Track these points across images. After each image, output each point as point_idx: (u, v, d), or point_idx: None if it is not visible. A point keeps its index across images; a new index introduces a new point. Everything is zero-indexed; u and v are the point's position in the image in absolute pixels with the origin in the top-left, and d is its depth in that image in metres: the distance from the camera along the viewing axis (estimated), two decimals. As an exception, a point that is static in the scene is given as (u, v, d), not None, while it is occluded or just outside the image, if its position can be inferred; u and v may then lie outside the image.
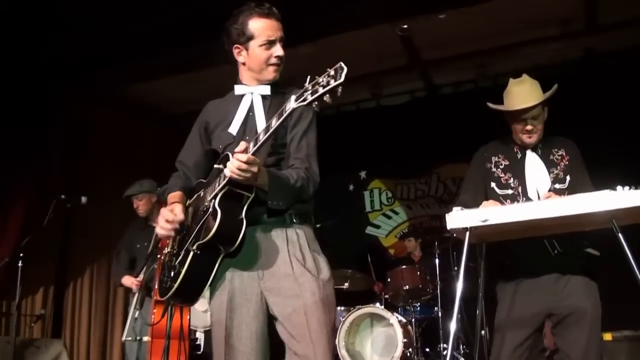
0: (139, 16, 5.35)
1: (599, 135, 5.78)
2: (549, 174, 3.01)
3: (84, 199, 4.79)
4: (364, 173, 8.09)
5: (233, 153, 2.15)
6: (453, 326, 2.85)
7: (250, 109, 2.46)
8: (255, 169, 2.09)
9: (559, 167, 3.03)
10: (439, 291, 5.96)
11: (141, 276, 4.38)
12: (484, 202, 2.92)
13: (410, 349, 5.59)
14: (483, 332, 5.40)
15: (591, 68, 6.41)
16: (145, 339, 4.07)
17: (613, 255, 2.69)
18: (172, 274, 2.31)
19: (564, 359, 2.91)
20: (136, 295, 4.32)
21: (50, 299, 6.04)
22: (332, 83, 1.94)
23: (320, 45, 5.84)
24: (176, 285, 2.23)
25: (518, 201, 2.99)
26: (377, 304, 5.94)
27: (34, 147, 5.81)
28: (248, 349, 2.27)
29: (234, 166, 2.07)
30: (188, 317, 3.96)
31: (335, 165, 7.54)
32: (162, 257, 2.51)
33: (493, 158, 3.14)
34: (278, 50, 2.42)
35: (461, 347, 5.82)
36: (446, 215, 2.71)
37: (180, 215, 2.35)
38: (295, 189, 2.29)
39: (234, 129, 2.43)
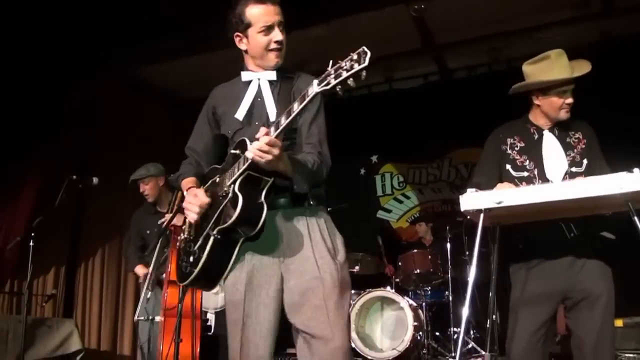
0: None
1: (615, 118, 5.71)
2: (566, 156, 2.97)
3: (95, 180, 4.78)
4: (376, 157, 8.05)
5: (245, 138, 2.21)
6: (465, 311, 2.82)
7: (258, 95, 2.46)
8: (277, 151, 2.09)
9: (575, 150, 2.99)
10: (449, 275, 5.95)
11: (151, 266, 4.37)
12: (499, 185, 2.89)
13: (420, 333, 5.59)
14: (494, 316, 5.41)
15: (606, 52, 6.31)
16: (158, 318, 4.09)
17: (628, 240, 2.66)
18: (191, 259, 2.31)
19: (577, 343, 2.88)
20: (148, 275, 4.33)
21: (61, 278, 6.08)
22: (356, 67, 1.93)
23: (333, 27, 5.81)
24: (197, 270, 2.24)
25: (534, 184, 2.95)
26: (388, 288, 5.94)
27: (46, 129, 5.83)
28: (264, 329, 2.29)
29: (255, 148, 2.07)
30: (200, 296, 3.97)
31: (347, 149, 7.51)
32: (178, 244, 2.51)
33: (508, 140, 3.10)
34: (277, 35, 2.43)
35: (472, 331, 5.82)
36: (460, 196, 2.68)
37: (206, 199, 2.32)
38: (313, 172, 2.30)
39: (240, 114, 2.45)
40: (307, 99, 2.05)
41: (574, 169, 2.94)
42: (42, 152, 5.80)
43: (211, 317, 6.04)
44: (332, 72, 2.00)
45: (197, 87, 7.32)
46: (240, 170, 2.19)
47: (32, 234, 4.52)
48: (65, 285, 6.14)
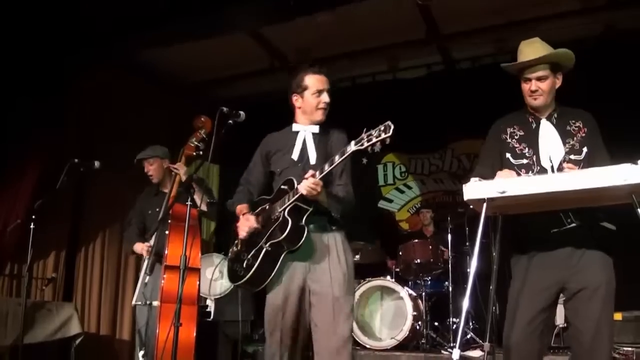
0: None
1: (618, 111, 5.68)
2: (564, 144, 2.96)
3: (97, 164, 4.76)
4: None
5: (292, 178, 3.02)
6: (466, 302, 2.82)
7: (304, 143, 3.20)
8: (320, 188, 2.87)
9: (575, 138, 2.98)
10: (450, 266, 5.96)
11: (151, 241, 4.38)
12: (499, 172, 2.88)
13: (419, 322, 5.61)
14: (494, 308, 5.41)
15: (610, 45, 6.29)
16: (155, 303, 4.09)
17: (630, 232, 2.65)
18: (244, 265, 3.04)
19: (575, 334, 2.88)
20: (146, 260, 4.32)
21: (61, 262, 6.08)
22: (383, 135, 2.69)
23: (339, 14, 5.77)
24: (250, 273, 2.97)
25: (532, 170, 2.95)
26: (388, 277, 5.95)
27: (48, 112, 5.81)
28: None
29: (306, 185, 2.83)
30: (198, 283, 3.97)
31: (349, 138, 7.49)
32: (230, 254, 3.24)
33: (508, 129, 3.11)
34: (325, 97, 3.19)
35: (471, 322, 5.83)
36: (463, 186, 2.68)
37: (254, 224, 3.11)
38: (343, 201, 3.12)
39: (295, 155, 3.18)
40: (346, 155, 2.82)
41: (572, 157, 2.93)
42: (43, 135, 5.79)
43: (211, 304, 6.07)
44: (365, 137, 2.76)
45: (199, 72, 7.35)
46: (291, 201, 2.93)
47: (33, 217, 4.51)
48: (65, 269, 6.15)
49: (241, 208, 3.23)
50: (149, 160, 4.78)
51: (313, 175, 2.86)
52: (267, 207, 3.15)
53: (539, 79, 2.97)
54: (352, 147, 2.77)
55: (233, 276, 3.14)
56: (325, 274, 3.01)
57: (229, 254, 3.25)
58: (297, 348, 3.07)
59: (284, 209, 2.96)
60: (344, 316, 2.97)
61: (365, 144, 2.72)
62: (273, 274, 2.98)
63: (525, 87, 3.02)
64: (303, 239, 2.91)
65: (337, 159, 2.82)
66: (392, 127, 2.66)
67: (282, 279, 3.02)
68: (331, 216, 3.07)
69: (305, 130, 3.22)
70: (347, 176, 3.22)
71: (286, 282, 3.02)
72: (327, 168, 2.86)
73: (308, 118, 3.21)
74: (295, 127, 3.24)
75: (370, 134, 2.71)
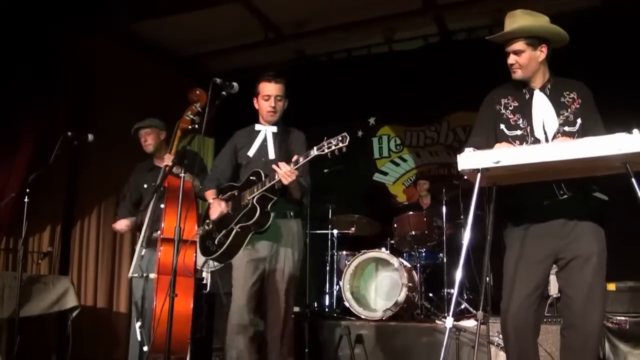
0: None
1: (615, 83, 5.67)
2: (558, 116, 2.96)
3: (90, 137, 4.74)
4: (373, 119, 8.00)
5: (259, 170, 3.57)
6: (459, 272, 2.83)
7: (264, 140, 3.77)
8: (294, 176, 3.36)
9: (569, 110, 2.98)
10: (444, 238, 5.98)
11: (148, 214, 4.36)
12: (497, 145, 2.88)
13: (414, 293, 5.65)
14: (488, 278, 5.44)
15: (607, 16, 6.24)
16: (152, 275, 4.10)
17: (622, 203, 2.66)
18: (216, 242, 3.62)
19: (567, 302, 2.91)
20: (143, 232, 4.33)
21: (57, 236, 6.07)
22: (340, 144, 3.22)
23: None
24: (221, 250, 3.56)
25: (527, 142, 2.96)
26: (383, 249, 5.98)
27: (42, 85, 5.75)
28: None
29: (285, 172, 3.32)
30: (194, 254, 3.97)
31: (344, 111, 7.50)
32: (200, 232, 3.80)
33: (502, 100, 3.11)
34: (271, 103, 3.71)
35: (464, 292, 5.87)
36: (458, 156, 2.68)
37: (225, 208, 3.66)
38: (306, 190, 3.73)
39: (252, 152, 3.77)
40: (309, 158, 3.32)
41: (566, 128, 2.93)
42: (37, 108, 5.73)
43: (206, 276, 6.09)
44: (325, 144, 3.24)
45: (192, 44, 7.29)
46: (260, 191, 3.46)
47: (27, 191, 4.50)
48: (61, 243, 6.14)
49: (209, 193, 3.80)
50: (147, 129, 4.78)
51: (290, 165, 3.39)
52: (236, 193, 3.67)
53: (515, 52, 2.97)
54: (315, 152, 3.27)
55: (205, 250, 3.72)
56: (282, 253, 3.62)
57: (200, 231, 3.80)
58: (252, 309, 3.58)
59: (253, 197, 3.49)
60: (294, 290, 3.65)
61: (326, 150, 3.23)
62: (240, 251, 3.55)
63: (507, 59, 3.03)
64: (269, 222, 3.50)
65: (302, 160, 3.33)
66: (348, 138, 3.22)
67: (247, 251, 3.58)
68: (292, 205, 3.67)
69: (265, 129, 3.78)
70: (307, 170, 3.69)
71: (251, 253, 3.59)
72: (301, 161, 3.34)
73: (263, 119, 3.79)
74: (257, 126, 3.80)
75: (330, 142, 3.22)
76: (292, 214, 3.71)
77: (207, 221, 3.77)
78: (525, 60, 2.97)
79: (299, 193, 3.65)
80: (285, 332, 3.60)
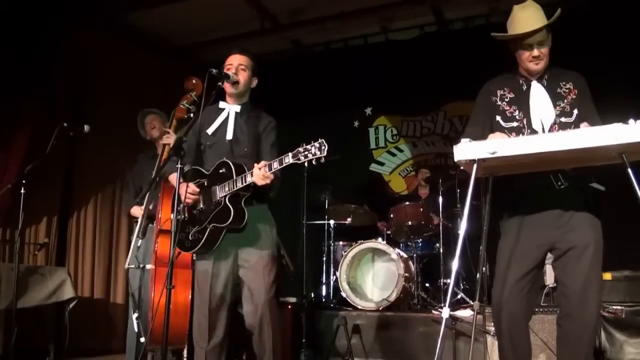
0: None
1: (612, 68, 5.67)
2: (555, 107, 2.96)
3: (86, 128, 4.72)
4: (370, 109, 7.99)
5: (229, 162, 3.35)
6: (456, 262, 2.84)
7: (226, 119, 3.53)
8: (269, 180, 3.16)
9: (565, 100, 2.98)
10: (441, 228, 5.99)
11: (144, 205, 4.36)
12: (491, 135, 2.89)
13: (410, 284, 5.66)
14: (484, 268, 5.45)
15: (604, 2, 6.22)
16: (148, 266, 4.10)
17: (617, 192, 2.66)
18: (190, 238, 3.41)
19: (563, 291, 2.92)
20: (139, 223, 4.33)
21: (54, 227, 6.07)
22: (318, 154, 2.96)
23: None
24: (197, 248, 3.37)
25: (523, 133, 2.95)
26: (379, 239, 5.98)
27: (37, 75, 5.73)
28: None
29: (261, 176, 3.13)
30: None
31: (341, 101, 7.49)
32: (175, 221, 3.30)
33: (498, 91, 3.10)
34: (232, 70, 3.48)
35: (461, 282, 5.89)
36: (454, 147, 2.67)
37: (197, 189, 3.45)
38: (277, 186, 3.40)
39: (211, 130, 3.54)
40: (284, 165, 3.09)
41: (563, 119, 2.93)
42: (33, 99, 5.72)
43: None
44: (302, 151, 3.00)
45: (188, 34, 7.26)
46: (233, 191, 3.26)
47: (23, 182, 4.48)
48: (57, 234, 6.14)
49: (174, 177, 3.42)
50: (154, 115, 4.84)
51: (263, 167, 3.17)
52: (206, 184, 3.45)
53: (539, 44, 2.93)
54: (290, 159, 3.06)
55: (179, 244, 3.42)
56: (255, 242, 3.39)
57: (180, 217, 3.48)
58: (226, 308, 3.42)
59: (225, 197, 3.30)
60: (273, 276, 3.39)
61: (302, 159, 3.00)
62: (215, 247, 3.35)
63: (524, 54, 2.97)
64: (245, 220, 3.31)
65: (277, 165, 3.11)
66: (327, 146, 2.95)
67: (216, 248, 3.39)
68: (257, 193, 3.37)
69: (229, 108, 3.56)
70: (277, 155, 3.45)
71: (219, 252, 3.39)
72: (275, 167, 3.13)
73: (228, 96, 3.57)
74: (221, 104, 3.58)
75: (307, 151, 2.98)
76: (254, 200, 3.44)
77: (179, 207, 3.43)
78: (547, 50, 2.96)
79: (273, 189, 3.41)
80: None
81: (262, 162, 3.18)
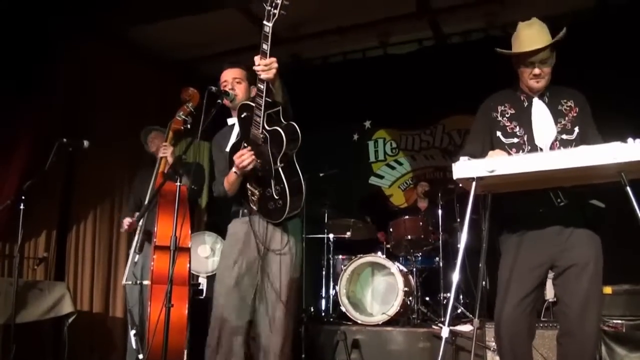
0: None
1: (613, 85, 5.68)
2: (556, 124, 2.97)
3: (86, 143, 4.73)
4: (369, 123, 8.00)
5: (248, 102, 3.15)
6: (456, 277, 2.84)
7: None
8: (276, 63, 2.95)
9: (567, 118, 2.99)
10: (440, 242, 5.98)
11: (141, 220, 4.34)
12: (490, 152, 2.89)
13: (410, 298, 5.64)
14: (484, 282, 5.45)
15: (604, 17, 6.25)
16: (146, 282, 4.08)
17: (618, 208, 2.67)
18: (276, 196, 3.08)
19: (563, 309, 2.91)
20: (136, 238, 4.31)
21: (53, 242, 6.05)
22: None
23: (327, -11, 5.72)
24: (288, 196, 3.01)
25: (524, 150, 2.96)
26: (379, 253, 5.97)
27: (36, 90, 5.74)
28: None
29: (262, 69, 2.93)
30: (188, 264, 3.94)
31: (340, 114, 7.52)
32: (250, 203, 3.24)
33: (499, 107, 3.11)
34: (228, 86, 3.44)
35: (460, 297, 5.87)
36: (453, 164, 2.68)
37: (252, 153, 3.13)
38: (286, 95, 3.20)
39: (229, 147, 3.36)
40: (269, 37, 2.92)
41: (564, 136, 2.94)
42: (31, 114, 5.71)
43: (203, 282, 6.08)
44: (271, 8, 2.90)
45: (188, 49, 7.28)
46: (262, 113, 2.99)
47: (23, 197, 4.48)
48: (56, 248, 6.12)
49: (227, 177, 3.30)
50: (154, 133, 4.91)
51: (261, 59, 2.98)
52: (245, 144, 3.18)
53: (542, 62, 2.94)
54: (270, 24, 2.92)
55: (276, 213, 3.12)
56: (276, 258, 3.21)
57: (251, 209, 3.25)
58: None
59: (263, 127, 3.04)
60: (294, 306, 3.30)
61: (277, 15, 2.90)
62: (300, 177, 3.08)
63: (526, 71, 2.98)
64: (298, 131, 3.04)
65: (265, 47, 2.95)
66: None
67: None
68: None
69: (236, 120, 3.40)
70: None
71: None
72: (266, 49, 2.97)
73: (232, 110, 3.50)
74: (230, 120, 3.55)
75: (272, 2, 2.90)
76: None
77: (249, 188, 3.24)
78: (549, 68, 2.98)
79: (283, 94, 3.15)
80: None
81: (256, 57, 3.00)
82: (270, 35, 2.92)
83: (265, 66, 2.93)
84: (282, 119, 3.08)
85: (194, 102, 4.36)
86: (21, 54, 5.57)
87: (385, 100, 7.51)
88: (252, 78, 3.47)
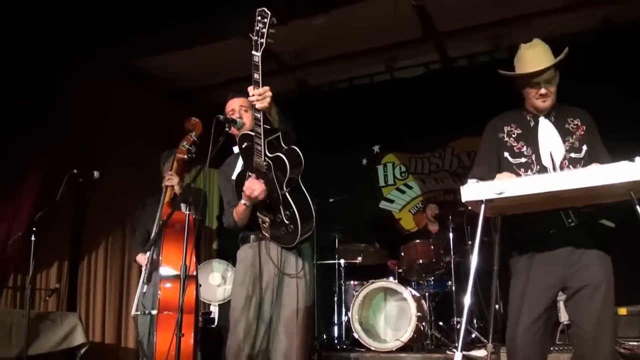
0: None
1: (618, 105, 5.68)
2: (564, 142, 2.96)
3: (96, 174, 4.76)
4: (378, 147, 8.02)
5: (248, 132, 3.17)
6: (467, 300, 2.81)
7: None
8: (269, 92, 2.98)
9: (574, 136, 2.98)
10: (452, 265, 5.94)
11: (149, 253, 4.33)
12: (499, 175, 2.88)
13: (423, 323, 5.60)
14: (497, 306, 5.39)
15: (609, 38, 6.27)
16: (155, 312, 4.06)
17: (628, 227, 2.64)
18: (286, 221, 3.09)
19: (577, 332, 2.88)
20: (144, 269, 4.30)
21: (64, 272, 6.07)
22: (266, 21, 2.87)
23: (333, 17, 5.77)
24: (298, 220, 3.03)
25: (532, 169, 2.95)
26: (391, 278, 5.95)
27: (46, 122, 5.80)
28: None
29: (255, 95, 2.96)
30: (195, 292, 3.93)
31: (348, 139, 7.54)
32: (262, 231, 3.23)
33: (505, 128, 3.10)
34: (235, 115, 3.44)
35: (474, 321, 5.81)
36: (461, 187, 2.67)
37: (253, 178, 3.17)
38: (286, 121, 3.21)
39: (234, 176, 3.39)
40: (259, 67, 2.96)
41: (573, 155, 2.93)
42: (42, 145, 5.77)
43: (214, 310, 6.06)
44: (257, 38, 2.90)
45: (196, 78, 7.36)
46: (262, 142, 3.02)
47: (34, 229, 4.51)
48: (68, 279, 6.14)
49: (236, 208, 3.30)
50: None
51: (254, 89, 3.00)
52: (249, 174, 3.21)
53: (547, 82, 2.95)
54: (258, 53, 2.94)
55: (288, 238, 3.14)
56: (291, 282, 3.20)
57: (263, 235, 3.24)
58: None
59: (265, 155, 3.07)
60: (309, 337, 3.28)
61: (264, 43, 2.91)
62: (309, 199, 3.11)
63: (531, 92, 2.99)
64: (300, 154, 3.11)
65: (257, 77, 2.97)
66: (266, 10, 2.87)
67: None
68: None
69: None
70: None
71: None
72: (256, 78, 2.99)
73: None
74: (235, 149, 3.50)
75: (258, 32, 2.90)
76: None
77: (261, 221, 3.24)
78: (554, 87, 2.99)
79: (281, 120, 3.16)
80: None
81: (249, 88, 3.03)
82: (260, 64, 2.97)
83: (260, 96, 2.97)
84: (282, 144, 3.13)
85: (197, 131, 4.40)
86: (31, 87, 5.64)
87: (394, 124, 7.54)
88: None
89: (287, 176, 3.02)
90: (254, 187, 3.12)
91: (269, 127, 3.07)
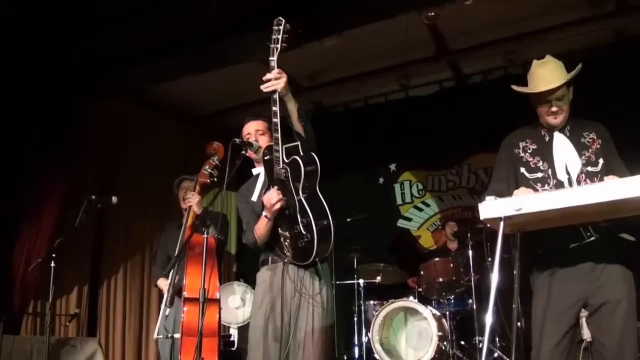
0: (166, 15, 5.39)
1: (633, 119, 5.62)
2: (580, 156, 2.94)
3: (114, 199, 4.79)
4: (394, 165, 8.02)
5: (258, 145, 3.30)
6: (489, 319, 2.78)
7: (264, 183, 3.39)
8: (284, 76, 3.01)
9: (590, 150, 2.96)
10: (473, 283, 5.87)
11: (169, 282, 4.34)
12: (516, 191, 2.86)
13: (445, 343, 5.53)
14: (519, 323, 5.31)
15: (623, 51, 6.25)
16: (177, 335, 4.06)
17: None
18: (303, 231, 3.02)
19: (599, 349, 2.83)
20: (166, 292, 4.31)
21: (84, 298, 6.11)
22: (281, 30, 2.97)
23: (346, 38, 5.80)
24: (315, 229, 2.96)
25: (549, 184, 2.93)
26: (411, 298, 5.89)
27: (65, 148, 5.88)
28: None
29: (271, 83, 3.00)
30: (218, 315, 3.93)
31: (365, 159, 7.55)
32: (284, 251, 3.19)
33: (520, 143, 3.09)
34: (252, 139, 3.43)
35: (497, 339, 5.73)
36: (479, 205, 2.65)
37: (272, 189, 3.15)
38: (304, 116, 3.21)
39: (254, 197, 3.42)
40: (275, 57, 2.98)
41: (589, 169, 2.91)
42: (60, 172, 5.85)
43: (234, 333, 6.04)
44: (272, 46, 2.97)
45: (212, 102, 7.43)
46: (280, 148, 3.04)
47: (53, 255, 4.54)
48: (88, 305, 6.17)
49: (257, 224, 3.27)
50: (187, 183, 4.85)
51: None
52: (270, 185, 3.20)
53: (558, 99, 2.95)
54: (275, 60, 2.99)
55: (305, 251, 3.07)
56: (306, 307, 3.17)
57: (285, 252, 3.20)
58: None
59: (283, 161, 3.07)
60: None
61: (279, 49, 2.97)
62: (325, 204, 3.05)
63: (543, 109, 2.99)
64: (316, 159, 3.08)
65: (273, 64, 2.99)
66: (283, 19, 2.97)
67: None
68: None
69: (261, 170, 3.46)
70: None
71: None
72: (274, 64, 3.01)
73: (256, 162, 3.53)
74: (254, 170, 3.56)
75: (275, 40, 2.97)
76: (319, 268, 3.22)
77: (280, 233, 3.21)
78: (567, 104, 2.99)
79: (301, 115, 3.19)
80: None
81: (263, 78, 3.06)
82: (276, 67, 3.02)
83: (275, 79, 3.00)
84: (300, 152, 3.11)
85: (220, 155, 4.42)
86: (49, 117, 5.72)
87: (409, 142, 7.54)
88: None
89: (302, 179, 3.02)
90: (271, 195, 3.12)
91: (290, 141, 3.11)
